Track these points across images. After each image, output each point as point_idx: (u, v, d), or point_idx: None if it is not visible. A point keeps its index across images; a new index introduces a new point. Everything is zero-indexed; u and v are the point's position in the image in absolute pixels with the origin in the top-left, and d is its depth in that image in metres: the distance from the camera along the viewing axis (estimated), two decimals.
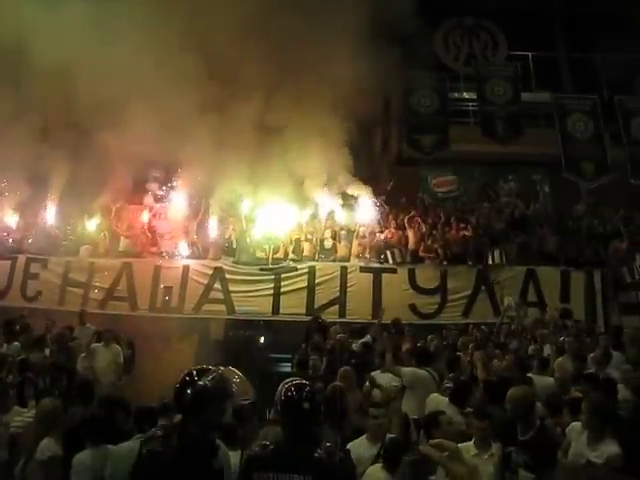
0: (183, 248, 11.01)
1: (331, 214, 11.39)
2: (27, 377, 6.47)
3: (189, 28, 10.22)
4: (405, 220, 11.19)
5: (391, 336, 8.05)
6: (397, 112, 13.76)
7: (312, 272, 10.64)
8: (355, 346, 8.42)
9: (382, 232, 11.06)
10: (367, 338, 8.69)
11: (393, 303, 10.10)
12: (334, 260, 10.91)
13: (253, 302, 10.58)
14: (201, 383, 2.40)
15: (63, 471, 3.89)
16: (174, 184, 11.54)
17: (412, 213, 11.36)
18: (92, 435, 3.95)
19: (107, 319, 10.19)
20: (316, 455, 2.53)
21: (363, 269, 10.67)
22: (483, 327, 9.14)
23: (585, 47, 14.88)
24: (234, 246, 11.04)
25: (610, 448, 4.05)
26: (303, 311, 10.38)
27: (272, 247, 10.92)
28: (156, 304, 10.56)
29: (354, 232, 11.08)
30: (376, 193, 11.33)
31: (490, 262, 10.60)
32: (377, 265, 10.72)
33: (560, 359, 6.96)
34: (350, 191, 11.21)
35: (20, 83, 10.22)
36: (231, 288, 10.62)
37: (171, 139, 9.73)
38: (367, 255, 10.85)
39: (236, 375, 2.42)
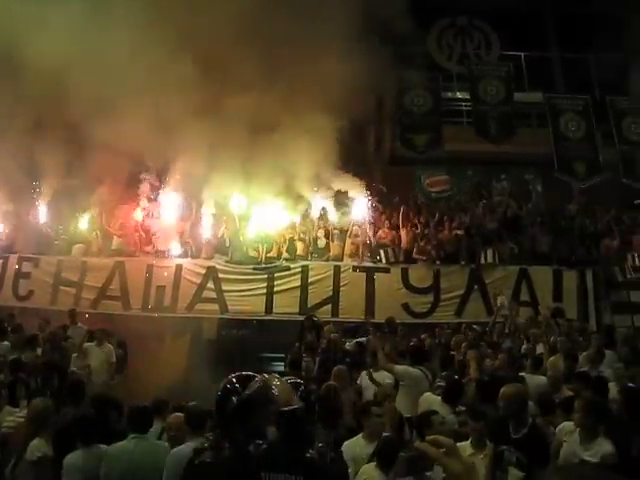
0: (176, 247, 10.97)
1: (324, 213, 11.37)
2: (19, 377, 6.41)
3: (180, 27, 10.16)
4: (400, 215, 11.15)
5: (385, 335, 8.05)
6: (390, 111, 13.80)
7: (305, 271, 10.64)
8: (348, 345, 8.40)
9: (375, 232, 11.06)
10: (362, 338, 8.68)
11: (386, 302, 10.16)
12: (327, 259, 10.91)
13: (246, 301, 10.58)
14: (246, 391, 2.41)
15: (54, 472, 3.86)
16: (167, 183, 11.48)
17: (403, 209, 11.30)
18: (83, 435, 3.93)
19: (100, 318, 10.14)
20: (308, 455, 2.54)
21: (356, 268, 10.67)
22: (475, 326, 9.17)
23: (577, 47, 14.98)
24: (227, 245, 11.01)
25: (604, 447, 4.05)
26: (296, 310, 10.38)
27: (265, 246, 10.90)
28: (149, 303, 10.52)
29: (347, 231, 11.06)
30: (369, 192, 11.34)
31: (483, 262, 10.63)
32: (370, 264, 10.73)
33: (552, 358, 6.98)
34: (343, 190, 11.20)
35: (12, 82, 10.13)
36: (224, 287, 10.60)
37: (164, 138, 9.70)
38: (360, 254, 10.85)
39: (278, 381, 2.43)
